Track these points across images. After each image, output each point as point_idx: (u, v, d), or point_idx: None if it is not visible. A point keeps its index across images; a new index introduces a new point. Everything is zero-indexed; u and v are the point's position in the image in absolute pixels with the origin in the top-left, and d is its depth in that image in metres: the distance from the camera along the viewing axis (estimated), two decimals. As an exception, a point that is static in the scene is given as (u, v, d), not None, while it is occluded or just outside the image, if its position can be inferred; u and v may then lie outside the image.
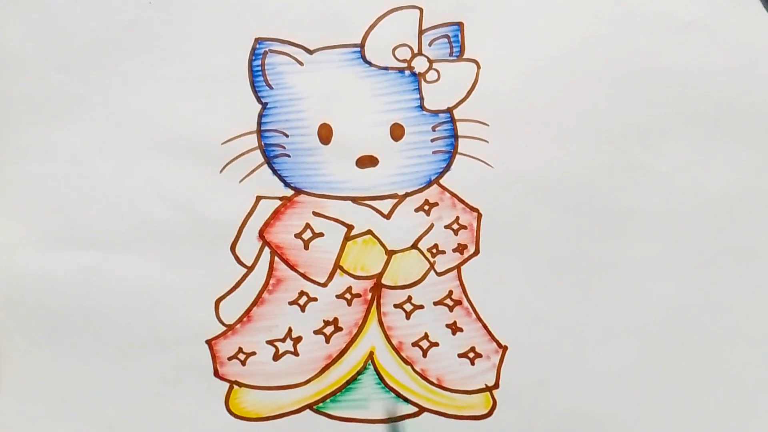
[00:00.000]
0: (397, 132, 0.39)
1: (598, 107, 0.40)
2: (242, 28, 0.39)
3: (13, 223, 0.39)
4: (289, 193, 0.39)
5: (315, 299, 0.40)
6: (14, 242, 0.39)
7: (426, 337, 0.40)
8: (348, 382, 0.40)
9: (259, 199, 0.39)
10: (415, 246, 0.40)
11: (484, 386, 0.40)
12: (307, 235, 0.40)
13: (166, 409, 0.39)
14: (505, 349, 0.40)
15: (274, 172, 0.39)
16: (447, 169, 0.40)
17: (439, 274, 0.40)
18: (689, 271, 0.41)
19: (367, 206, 0.40)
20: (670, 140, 0.40)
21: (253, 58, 0.39)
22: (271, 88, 0.39)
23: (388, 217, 0.40)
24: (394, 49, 0.39)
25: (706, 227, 0.41)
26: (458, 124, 0.40)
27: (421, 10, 0.39)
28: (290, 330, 0.40)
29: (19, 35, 0.39)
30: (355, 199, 0.40)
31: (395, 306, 0.40)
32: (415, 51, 0.39)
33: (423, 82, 0.39)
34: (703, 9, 0.40)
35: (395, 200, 0.40)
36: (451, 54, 0.40)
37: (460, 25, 0.40)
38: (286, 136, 0.39)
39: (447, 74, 0.40)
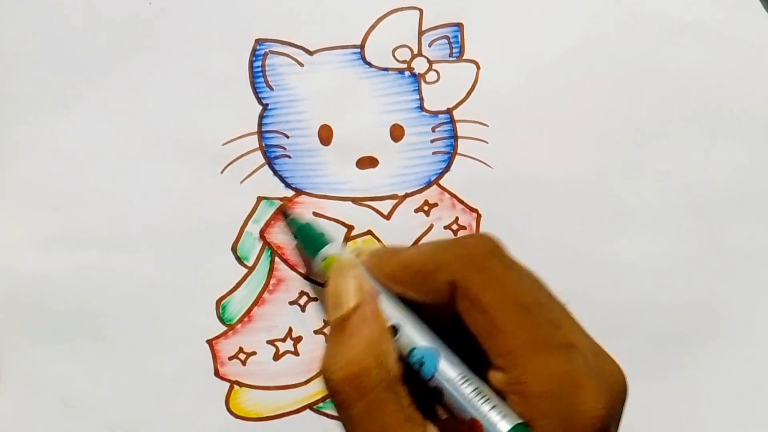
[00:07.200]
0: (396, 133, 0.39)
1: (598, 107, 0.40)
2: (242, 29, 0.39)
3: (13, 223, 0.39)
4: (290, 193, 0.39)
5: (315, 299, 0.40)
6: (14, 242, 0.39)
7: (426, 337, 0.40)
8: (348, 382, 0.40)
9: (260, 199, 0.39)
10: (415, 246, 0.40)
11: (484, 386, 0.40)
12: (308, 235, 0.40)
13: (166, 409, 0.39)
14: (505, 349, 0.40)
15: (275, 173, 0.39)
16: (447, 169, 0.40)
17: (439, 275, 0.40)
18: (689, 270, 0.41)
19: (367, 207, 0.40)
20: (670, 140, 0.40)
21: (254, 59, 0.39)
22: (271, 89, 0.39)
23: (388, 217, 0.40)
24: (394, 50, 0.39)
25: (706, 227, 0.41)
26: (458, 124, 0.40)
27: (421, 11, 0.39)
28: (290, 330, 0.40)
29: (19, 35, 0.39)
30: (355, 200, 0.40)
31: (395, 306, 0.40)
32: (415, 52, 0.39)
33: (423, 83, 0.39)
34: (703, 9, 0.40)
35: (395, 201, 0.40)
36: (450, 55, 0.40)
37: (459, 26, 0.40)
38: (287, 137, 0.39)
39: (447, 75, 0.39)
